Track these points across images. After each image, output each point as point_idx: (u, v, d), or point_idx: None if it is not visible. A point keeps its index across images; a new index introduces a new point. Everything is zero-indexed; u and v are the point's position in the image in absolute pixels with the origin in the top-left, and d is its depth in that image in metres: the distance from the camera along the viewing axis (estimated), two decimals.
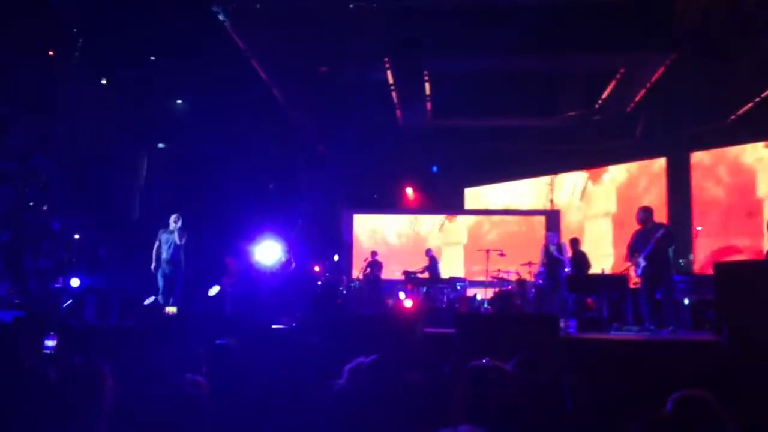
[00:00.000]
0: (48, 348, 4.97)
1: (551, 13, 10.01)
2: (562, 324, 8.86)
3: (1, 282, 11.79)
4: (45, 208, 13.19)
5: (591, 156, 16.75)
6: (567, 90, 13.57)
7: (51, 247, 12.81)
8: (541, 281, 12.10)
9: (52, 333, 4.98)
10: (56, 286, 11.38)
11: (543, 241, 12.17)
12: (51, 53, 12.77)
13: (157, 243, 11.04)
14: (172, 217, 11.02)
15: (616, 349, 7.78)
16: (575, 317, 10.13)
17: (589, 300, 11.35)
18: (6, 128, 12.82)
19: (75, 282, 10.82)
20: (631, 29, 10.57)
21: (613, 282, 10.93)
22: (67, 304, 10.28)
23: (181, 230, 10.89)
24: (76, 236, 12.87)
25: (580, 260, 11.76)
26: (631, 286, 10.82)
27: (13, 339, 5.35)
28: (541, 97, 13.67)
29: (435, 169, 17.92)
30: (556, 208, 17.83)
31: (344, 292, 13.71)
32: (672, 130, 14.71)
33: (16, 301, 11.01)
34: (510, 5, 10.03)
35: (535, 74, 12.77)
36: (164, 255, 10.92)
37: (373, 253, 15.39)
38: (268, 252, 12.57)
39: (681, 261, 12.92)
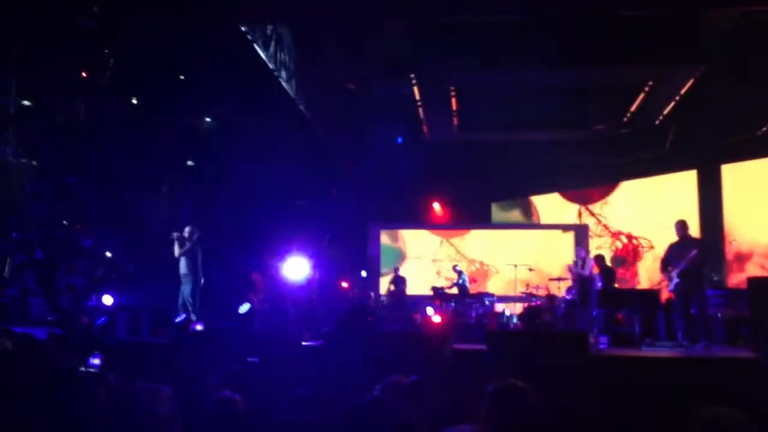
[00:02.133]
0: (93, 366, 5.04)
1: (579, 27, 9.99)
2: (592, 340, 8.79)
3: (35, 299, 11.98)
4: (78, 226, 13.40)
5: (620, 169, 16.62)
6: (595, 103, 13.49)
7: (84, 265, 13.00)
8: (569, 296, 12.00)
9: (96, 352, 5.06)
10: (89, 303, 11.52)
11: (572, 256, 12.09)
12: (83, 74, 13.02)
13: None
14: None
15: (649, 366, 7.68)
16: (606, 333, 10.02)
17: (619, 315, 11.22)
18: (39, 148, 13.07)
19: (107, 299, 10.94)
20: (660, 41, 10.50)
21: (645, 297, 10.80)
22: (100, 321, 10.39)
23: (181, 240, 10.72)
24: (108, 254, 13.03)
25: (609, 275, 11.64)
26: (663, 301, 10.69)
27: (51, 355, 5.44)
28: (569, 110, 13.59)
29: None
30: (583, 222, 17.67)
31: (372, 308, 13.71)
32: (702, 141, 14.55)
33: (49, 318, 11.17)
34: (536, 19, 10.03)
35: (563, 87, 12.71)
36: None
37: (396, 269, 15.37)
38: (295, 268, 12.60)
39: (714, 275, 12.73)
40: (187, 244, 10.62)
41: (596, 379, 5.11)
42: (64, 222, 13.55)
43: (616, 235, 17.11)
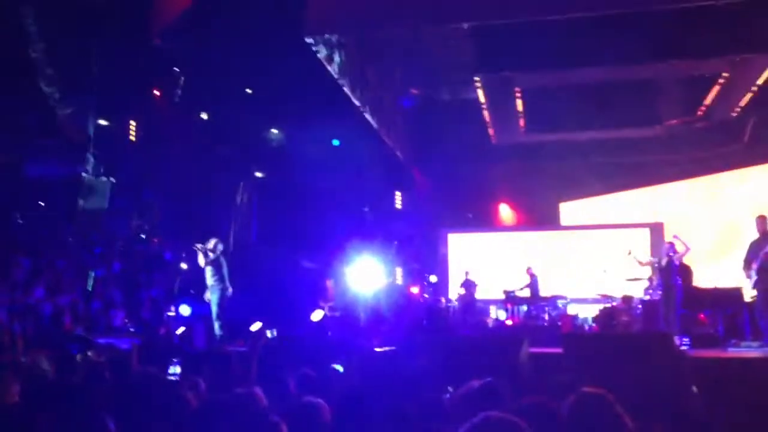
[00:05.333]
0: (174, 374, 5.16)
1: (649, 20, 9.69)
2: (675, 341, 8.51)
3: (118, 311, 12.45)
4: (156, 240, 13.85)
5: (696, 165, 16.04)
6: (668, 98, 13.09)
7: (162, 277, 13.41)
8: (648, 297, 11.63)
9: (175, 360, 5.18)
10: (168, 314, 11.84)
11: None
12: (156, 92, 13.47)
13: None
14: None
15: (736, 367, 7.39)
16: (687, 334, 9.68)
17: (701, 316, 10.82)
18: (119, 166, 13.58)
19: (185, 310, 11.19)
20: (735, 30, 10.11)
21: (728, 296, 10.39)
22: (180, 331, 10.66)
23: (205, 252, 10.60)
24: (184, 265, 13.39)
25: (687, 274, 11.21)
26: (748, 300, 10.26)
27: (133, 364, 5.64)
28: (641, 107, 13.23)
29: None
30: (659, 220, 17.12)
31: (443, 313, 13.63)
32: None
33: (132, 329, 11.58)
34: (603, 15, 9.79)
35: (633, 83, 12.39)
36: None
37: (466, 273, 15.25)
38: (365, 275, 12.67)
39: None
40: (211, 256, 10.50)
41: (684, 380, 4.94)
42: (143, 236, 14.05)
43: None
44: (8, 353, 7.50)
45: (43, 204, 13.94)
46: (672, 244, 10.50)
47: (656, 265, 10.87)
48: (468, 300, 14.26)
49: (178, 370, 5.26)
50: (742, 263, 9.49)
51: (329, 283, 12.51)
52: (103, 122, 13.96)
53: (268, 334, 10.10)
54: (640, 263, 11.12)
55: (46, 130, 13.32)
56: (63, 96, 12.81)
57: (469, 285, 14.43)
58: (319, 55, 10.82)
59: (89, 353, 6.04)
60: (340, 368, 4.93)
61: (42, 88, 12.43)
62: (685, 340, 9.18)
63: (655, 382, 3.33)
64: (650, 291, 11.61)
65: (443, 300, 14.48)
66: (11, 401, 3.67)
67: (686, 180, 16.80)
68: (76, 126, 13.49)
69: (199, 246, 10.56)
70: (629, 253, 11.11)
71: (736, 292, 10.49)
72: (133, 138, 14.16)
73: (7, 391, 3.66)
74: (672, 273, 10.34)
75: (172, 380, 4.84)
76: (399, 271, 16.66)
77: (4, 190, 13.55)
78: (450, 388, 4.49)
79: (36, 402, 3.97)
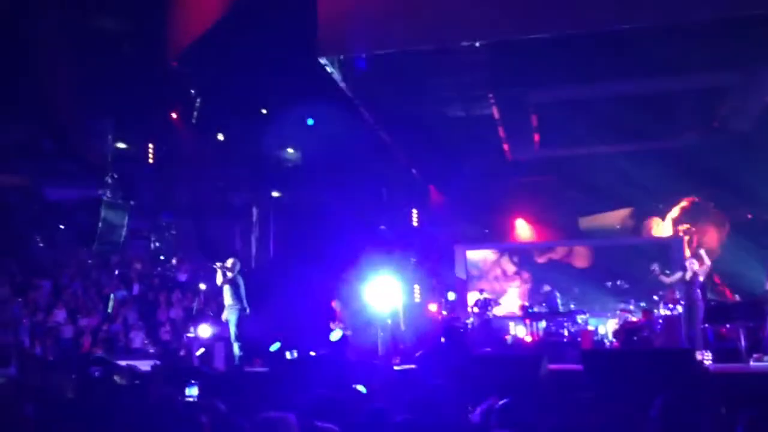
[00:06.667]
0: (191, 396, 5.15)
1: (662, 35, 9.65)
2: (698, 356, 8.42)
3: (137, 333, 12.52)
4: (174, 261, 13.94)
5: (712, 176, 15.90)
6: (683, 110, 13.01)
7: (180, 298, 13.47)
8: (669, 311, 11.49)
9: (193, 381, 5.17)
10: (187, 335, 11.86)
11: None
12: (174, 115, 13.62)
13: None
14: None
15: (759, 382, 7.28)
16: (709, 348, 9.56)
17: (723, 329, 10.67)
18: (138, 189, 13.74)
19: (205, 330, 11.18)
20: (747, 43, 10.05)
21: (750, 309, 10.24)
22: (199, 352, 10.67)
23: (223, 270, 10.54)
24: (202, 286, 13.44)
25: (704, 289, 11.05)
26: None
27: (153, 387, 5.64)
28: (656, 120, 13.15)
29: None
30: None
31: (462, 330, 13.53)
32: None
33: (151, 350, 11.62)
34: (615, 31, 9.76)
35: (648, 97, 12.34)
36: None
37: (482, 291, 15.18)
38: (382, 293, 12.61)
39: None
40: (228, 275, 10.47)
41: (707, 398, 4.85)
42: (161, 257, 14.15)
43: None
44: (28, 375, 7.56)
45: (62, 227, 14.09)
46: (694, 259, 10.39)
47: (679, 280, 10.73)
48: (486, 317, 14.16)
49: (195, 391, 5.25)
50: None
51: (335, 304, 12.38)
52: (121, 145, 14.12)
53: (288, 355, 10.04)
54: (665, 280, 10.98)
55: (66, 154, 13.49)
56: (82, 120, 12.99)
57: (484, 303, 14.32)
58: (333, 76, 10.88)
59: (116, 377, 6.05)
60: (362, 389, 4.89)
61: (61, 113, 12.61)
62: (708, 354, 9.07)
63: (678, 400, 3.26)
64: (671, 306, 11.48)
65: (461, 317, 14.38)
66: (26, 426, 3.67)
67: (703, 192, 16.69)
68: (95, 149, 13.67)
69: (218, 264, 10.58)
70: (653, 271, 10.98)
71: (759, 306, 10.35)
72: (151, 160, 14.32)
73: (21, 415, 3.65)
74: (695, 288, 10.22)
75: (188, 402, 4.84)
76: (417, 289, 16.60)
77: (25, 213, 13.72)
78: (470, 407, 4.46)
79: (55, 424, 3.99)
